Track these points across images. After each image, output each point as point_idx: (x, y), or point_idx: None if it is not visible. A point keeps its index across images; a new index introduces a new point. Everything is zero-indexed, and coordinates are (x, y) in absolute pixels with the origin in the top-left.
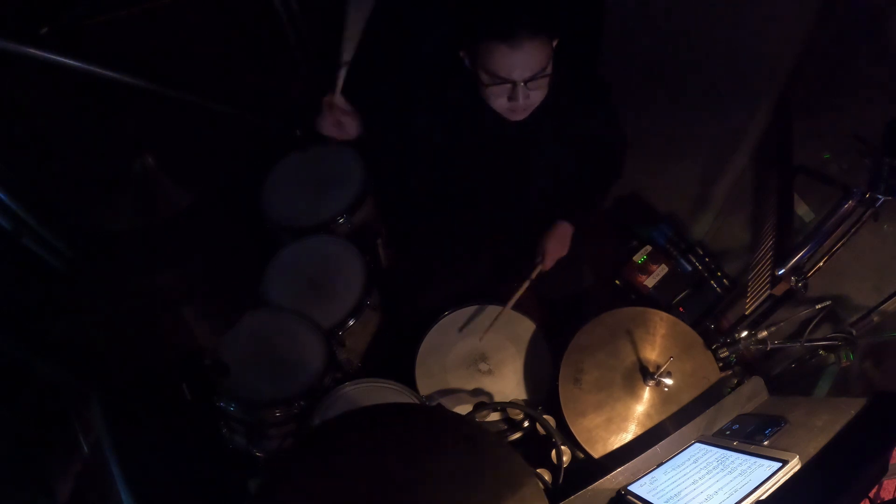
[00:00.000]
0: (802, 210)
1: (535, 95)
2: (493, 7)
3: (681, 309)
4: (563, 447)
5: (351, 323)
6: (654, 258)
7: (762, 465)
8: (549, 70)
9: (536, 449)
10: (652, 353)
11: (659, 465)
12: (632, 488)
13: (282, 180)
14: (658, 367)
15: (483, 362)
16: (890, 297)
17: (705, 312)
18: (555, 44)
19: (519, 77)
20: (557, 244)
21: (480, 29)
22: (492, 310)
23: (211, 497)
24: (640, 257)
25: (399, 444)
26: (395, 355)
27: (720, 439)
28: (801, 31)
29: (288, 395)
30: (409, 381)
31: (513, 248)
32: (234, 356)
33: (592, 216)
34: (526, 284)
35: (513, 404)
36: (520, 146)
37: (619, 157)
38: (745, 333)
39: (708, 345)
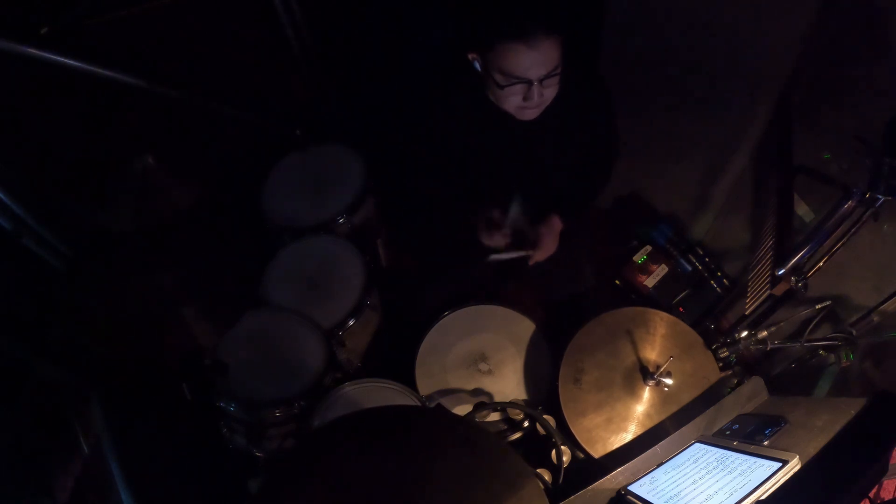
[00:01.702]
0: (802, 210)
1: (549, 93)
2: (509, 8)
3: (681, 309)
4: (563, 447)
5: (351, 323)
6: (654, 258)
7: (762, 465)
8: (560, 68)
9: (536, 449)
10: (652, 353)
11: (659, 465)
12: (632, 488)
13: (282, 180)
14: (658, 367)
15: (483, 362)
16: (890, 297)
17: (705, 312)
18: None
19: (535, 76)
20: (550, 239)
21: (496, 30)
22: (492, 310)
23: (211, 497)
24: (640, 257)
25: (399, 445)
26: (395, 355)
27: (720, 439)
28: (801, 31)
29: (288, 395)
30: (409, 381)
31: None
32: (234, 356)
33: (580, 216)
34: (512, 254)
35: (513, 404)
36: (524, 146)
37: (611, 161)
38: (745, 333)
39: (708, 345)
